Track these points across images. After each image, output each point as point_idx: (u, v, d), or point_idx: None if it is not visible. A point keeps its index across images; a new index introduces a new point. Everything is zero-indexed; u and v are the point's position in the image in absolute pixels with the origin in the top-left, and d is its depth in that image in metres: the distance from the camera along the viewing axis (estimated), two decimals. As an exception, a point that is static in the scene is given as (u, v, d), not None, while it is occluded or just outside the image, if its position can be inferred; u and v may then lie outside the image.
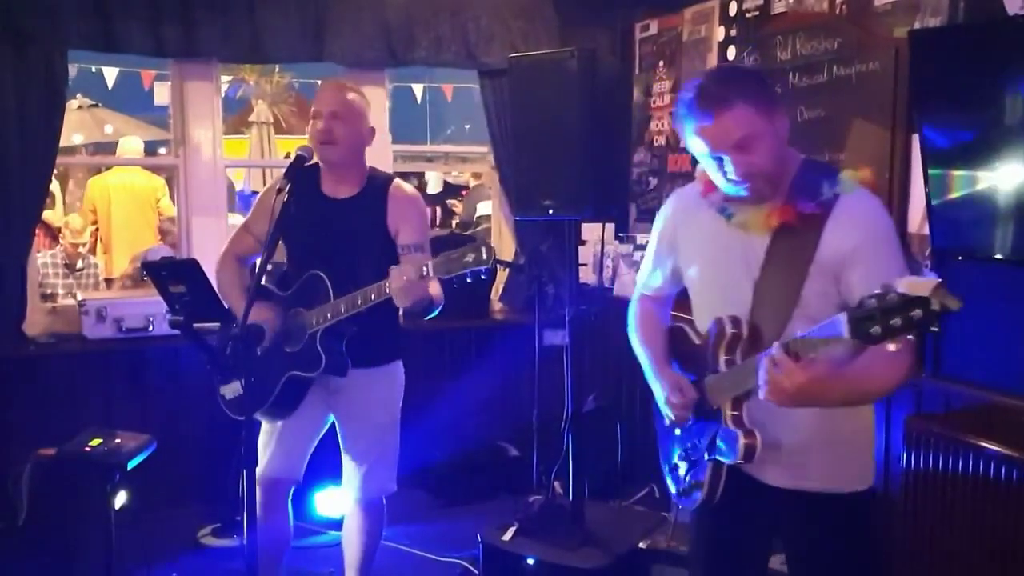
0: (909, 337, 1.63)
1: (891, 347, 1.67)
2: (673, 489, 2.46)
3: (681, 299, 2.55)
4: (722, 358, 2.19)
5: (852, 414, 2.22)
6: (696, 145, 2.12)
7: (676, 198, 2.45)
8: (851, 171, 2.18)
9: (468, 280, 2.62)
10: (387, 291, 2.81)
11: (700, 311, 2.37)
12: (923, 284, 1.59)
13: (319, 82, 3.72)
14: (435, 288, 2.96)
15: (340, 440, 3.33)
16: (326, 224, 3.19)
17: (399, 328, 3.38)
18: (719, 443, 2.19)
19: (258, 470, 3.20)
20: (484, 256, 2.58)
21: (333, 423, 3.35)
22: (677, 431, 2.38)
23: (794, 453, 2.20)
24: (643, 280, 2.58)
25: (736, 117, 2.05)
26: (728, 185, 2.14)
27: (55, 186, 7.36)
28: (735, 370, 2.16)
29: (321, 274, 3.04)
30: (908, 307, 1.60)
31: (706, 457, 2.25)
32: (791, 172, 2.18)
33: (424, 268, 2.70)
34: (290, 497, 3.36)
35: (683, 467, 2.37)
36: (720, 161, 2.10)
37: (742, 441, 2.13)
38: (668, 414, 2.36)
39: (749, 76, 2.18)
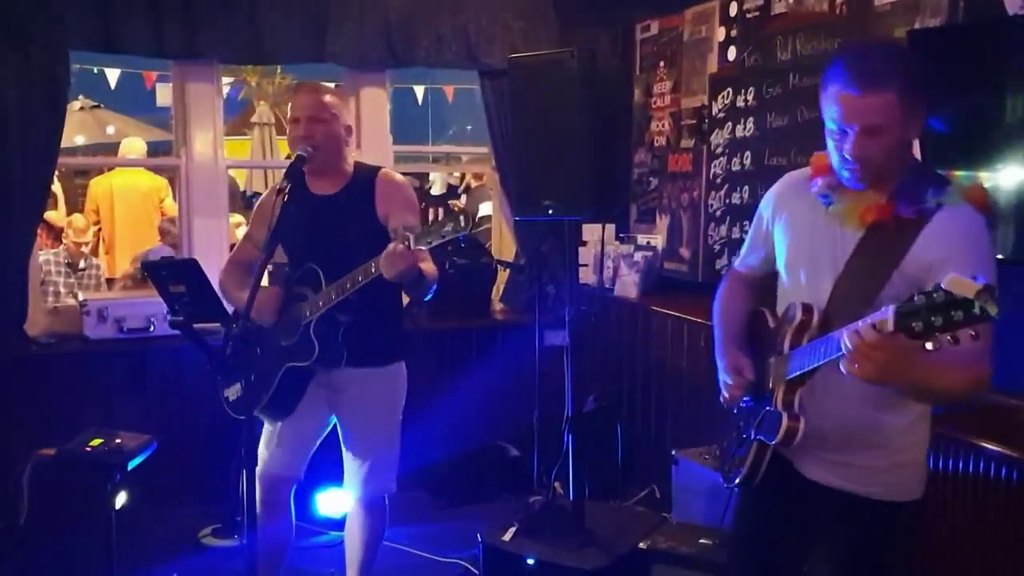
0: (974, 343, 1.65)
1: (928, 346, 1.67)
2: (721, 465, 2.47)
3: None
4: (787, 341, 2.19)
5: (908, 426, 2.21)
6: (831, 109, 2.09)
7: (786, 178, 2.44)
8: (961, 184, 2.15)
9: (449, 249, 2.64)
10: (373, 270, 2.82)
11: (782, 296, 2.38)
12: (968, 285, 1.59)
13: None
14: (427, 265, 2.98)
15: (341, 439, 3.33)
16: (316, 221, 3.19)
17: (403, 329, 3.38)
18: (766, 423, 2.19)
19: (259, 467, 3.21)
20: (462, 223, 2.60)
21: (335, 424, 3.35)
22: (735, 409, 2.39)
23: (844, 453, 2.20)
24: (741, 256, 2.59)
25: (882, 103, 2.01)
26: (839, 161, 2.12)
27: (56, 187, 7.35)
28: (798, 351, 2.15)
29: (314, 267, 3.07)
30: (951, 307, 1.60)
31: (753, 436, 2.25)
32: (901, 173, 2.15)
33: (407, 240, 2.70)
34: (292, 496, 3.37)
35: (733, 444, 2.38)
36: (844, 134, 2.08)
37: (785, 422, 2.13)
38: (723, 392, 2.37)
39: (912, 67, 2.09)
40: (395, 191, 3.24)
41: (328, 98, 3.18)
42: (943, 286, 1.62)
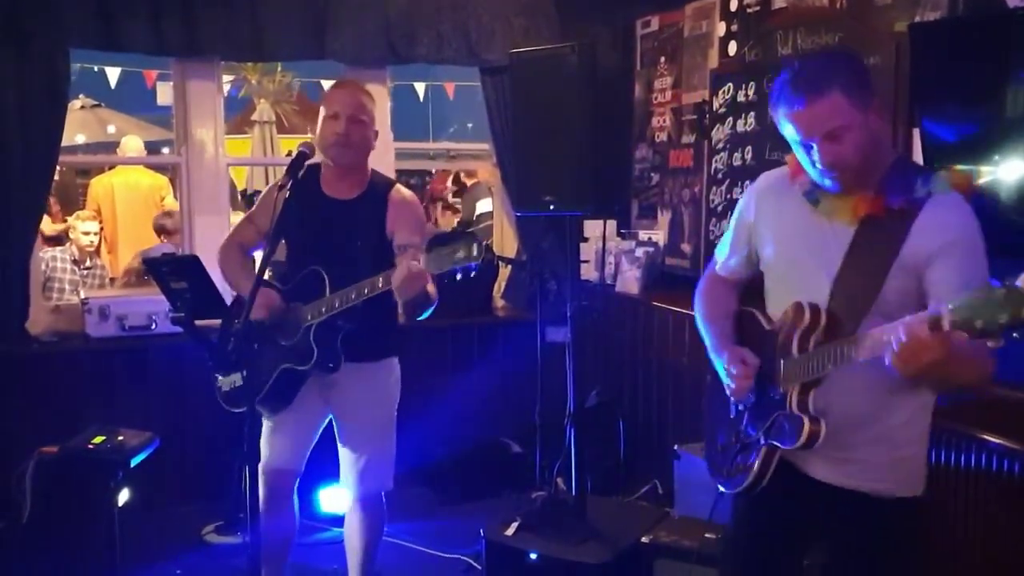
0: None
1: (991, 343, 1.67)
2: (715, 471, 2.44)
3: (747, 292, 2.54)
4: (795, 343, 2.17)
5: (910, 419, 2.21)
6: (787, 129, 2.11)
7: (763, 179, 2.43)
8: (947, 173, 2.16)
9: (458, 278, 2.61)
10: (381, 285, 2.81)
11: (773, 297, 2.36)
12: None
13: (321, 82, 3.73)
14: (430, 286, 2.98)
15: (337, 436, 3.34)
16: (327, 224, 3.20)
17: (396, 325, 3.39)
18: (782, 427, 2.17)
19: (261, 463, 3.21)
20: (475, 252, 2.57)
21: (332, 420, 3.36)
22: (732, 413, 2.36)
23: (846, 448, 2.19)
24: (720, 259, 2.56)
25: (829, 105, 2.03)
26: (815, 173, 2.13)
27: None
28: (809, 356, 2.13)
29: (320, 270, 3.06)
30: (1018, 305, 1.59)
31: (762, 441, 2.23)
32: (883, 167, 2.15)
33: (416, 263, 2.70)
34: (295, 489, 3.37)
35: (732, 450, 2.35)
36: (809, 148, 2.09)
37: (808, 427, 2.11)
38: (729, 385, 2.32)
39: (848, 64, 2.12)
40: (406, 209, 3.25)
41: (367, 100, 3.20)
42: (1018, 284, 1.59)
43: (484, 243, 2.61)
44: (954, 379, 2.01)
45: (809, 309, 2.16)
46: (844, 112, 2.04)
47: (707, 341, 2.45)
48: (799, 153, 2.15)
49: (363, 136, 3.17)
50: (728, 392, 2.36)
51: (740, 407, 2.34)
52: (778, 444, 2.19)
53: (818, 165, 2.10)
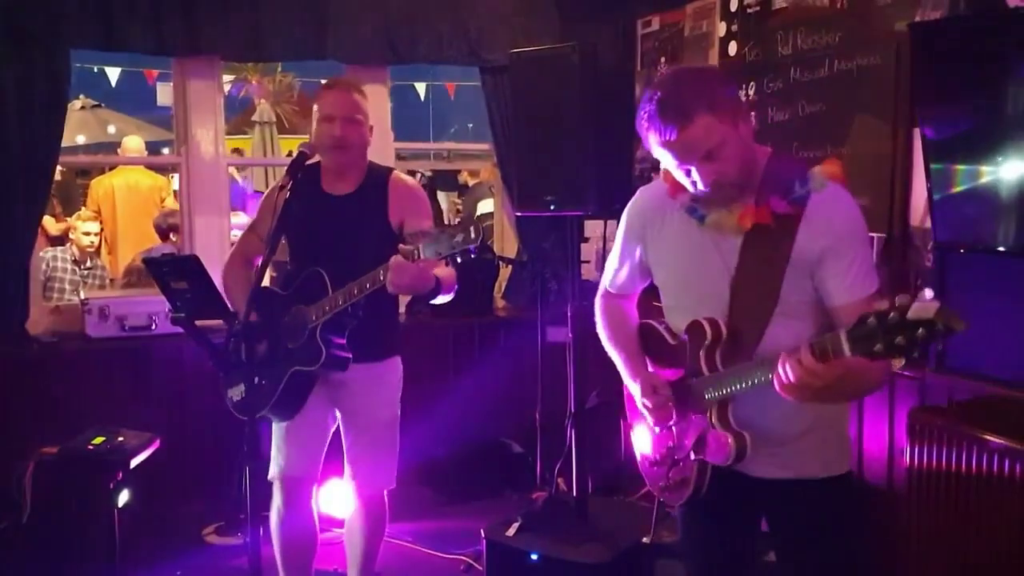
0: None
1: (896, 364, 1.67)
2: (653, 486, 2.44)
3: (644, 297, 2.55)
4: (703, 362, 2.17)
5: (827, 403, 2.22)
6: (662, 157, 2.10)
7: (642, 197, 2.42)
8: (821, 167, 2.16)
9: (459, 261, 2.60)
10: (381, 278, 2.80)
11: (673, 311, 2.35)
12: (927, 308, 1.58)
13: (322, 81, 3.72)
14: (443, 271, 2.95)
15: (342, 436, 3.34)
16: (328, 221, 3.19)
17: (397, 324, 3.38)
18: (707, 445, 2.18)
19: (277, 470, 3.22)
20: (472, 235, 2.55)
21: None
22: (657, 429, 2.35)
23: (783, 444, 2.20)
24: (608, 278, 2.55)
25: (699, 129, 2.01)
26: (700, 191, 2.12)
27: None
28: (720, 376, 2.14)
29: (320, 270, 3.04)
30: (912, 327, 1.59)
31: (692, 456, 2.23)
32: (759, 170, 2.16)
33: (416, 251, 2.69)
34: (314, 496, 3.36)
35: (666, 465, 2.35)
36: (688, 171, 2.09)
37: (732, 445, 2.12)
38: (646, 416, 2.33)
39: (708, 82, 2.10)
40: (409, 195, 3.24)
41: (360, 98, 3.18)
42: (909, 316, 1.59)
43: (481, 225, 2.60)
44: (856, 392, 2.10)
45: (709, 325, 2.16)
46: (715, 132, 2.02)
47: (618, 366, 2.45)
48: (678, 175, 2.13)
49: (360, 135, 3.16)
50: (648, 421, 2.36)
51: (666, 425, 2.33)
52: (708, 462, 2.20)
53: (700, 187, 2.09)
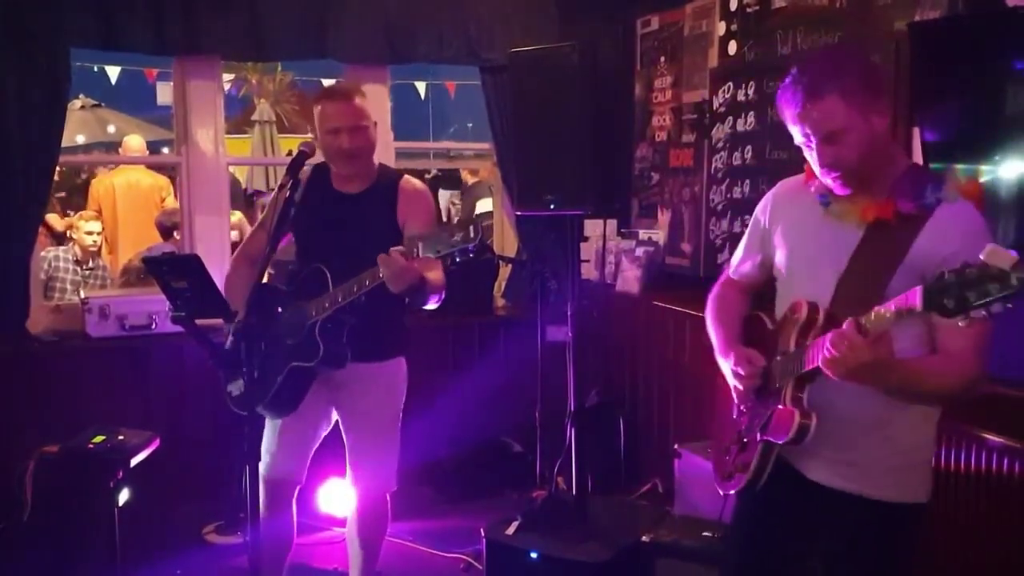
0: (982, 322, 1.64)
1: (961, 323, 1.67)
2: (718, 473, 2.45)
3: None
4: (793, 340, 2.18)
5: (915, 424, 2.21)
6: (792, 129, 2.16)
7: (780, 185, 2.46)
8: (957, 181, 2.19)
9: (457, 260, 2.60)
10: (381, 275, 2.79)
11: (782, 299, 2.37)
12: (1005, 256, 1.58)
13: (322, 80, 3.72)
14: (434, 273, 2.96)
15: (343, 436, 3.34)
16: (339, 219, 3.21)
17: (404, 324, 3.38)
18: (774, 421, 2.18)
19: (263, 470, 3.21)
20: (471, 234, 2.54)
21: (337, 421, 3.35)
22: (734, 414, 2.37)
23: (846, 450, 2.19)
24: (734, 264, 2.59)
25: (826, 109, 2.06)
26: (820, 173, 2.16)
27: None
28: (799, 351, 2.15)
29: (322, 267, 3.05)
30: (985, 280, 1.60)
31: (759, 437, 2.23)
32: (893, 172, 2.17)
33: (415, 248, 2.68)
34: (295, 497, 3.37)
35: (733, 449, 2.36)
36: (811, 148, 2.13)
37: (797, 419, 2.11)
38: (736, 385, 2.34)
39: (853, 67, 2.12)
40: (417, 199, 3.25)
41: (361, 102, 3.18)
42: (982, 257, 1.60)
43: (480, 225, 2.60)
44: (917, 389, 2.06)
45: (807, 306, 2.18)
46: (839, 116, 2.06)
47: (714, 343, 2.46)
48: (805, 151, 2.17)
49: (368, 140, 3.18)
50: (734, 393, 2.37)
51: (743, 407, 2.35)
52: (772, 440, 2.19)
53: (820, 164, 2.13)
